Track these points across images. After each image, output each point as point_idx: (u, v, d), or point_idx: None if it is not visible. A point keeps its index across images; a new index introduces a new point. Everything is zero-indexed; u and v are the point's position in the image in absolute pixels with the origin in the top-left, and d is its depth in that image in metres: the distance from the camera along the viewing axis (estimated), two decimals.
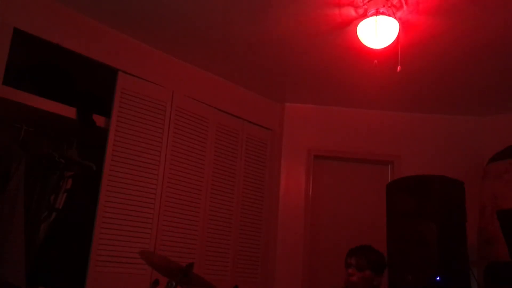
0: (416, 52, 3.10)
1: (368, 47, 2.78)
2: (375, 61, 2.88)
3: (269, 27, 2.96)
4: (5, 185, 2.53)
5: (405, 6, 2.63)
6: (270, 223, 3.90)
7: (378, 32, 2.58)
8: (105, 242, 2.89)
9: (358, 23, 2.70)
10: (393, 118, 4.15)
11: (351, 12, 2.71)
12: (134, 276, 2.97)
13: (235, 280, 3.53)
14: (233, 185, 3.70)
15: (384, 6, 2.60)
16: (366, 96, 3.92)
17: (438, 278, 2.75)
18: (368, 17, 2.64)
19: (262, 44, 3.18)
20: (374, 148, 4.09)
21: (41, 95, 2.79)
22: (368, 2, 2.60)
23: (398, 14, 2.67)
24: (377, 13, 2.60)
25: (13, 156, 2.60)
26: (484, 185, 3.45)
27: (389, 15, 2.61)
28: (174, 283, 1.94)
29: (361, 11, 2.68)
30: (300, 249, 3.86)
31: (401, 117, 4.15)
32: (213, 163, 3.58)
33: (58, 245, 2.77)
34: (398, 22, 2.64)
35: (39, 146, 2.93)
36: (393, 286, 2.97)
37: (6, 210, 2.47)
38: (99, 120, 3.03)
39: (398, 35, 2.68)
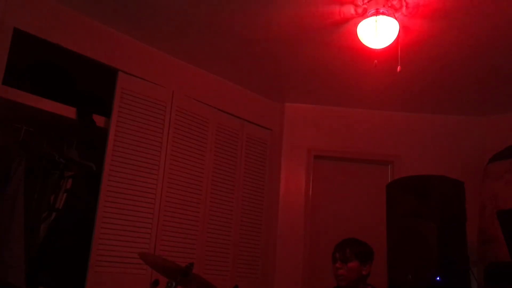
0: (416, 52, 3.10)
1: (368, 47, 2.78)
2: (375, 61, 2.88)
3: (270, 27, 2.96)
4: (5, 185, 2.53)
5: (405, 6, 2.63)
6: (270, 223, 3.90)
7: (378, 32, 2.59)
8: (105, 242, 2.89)
9: (358, 23, 2.70)
10: (393, 118, 4.15)
11: (351, 11, 2.71)
12: (134, 276, 2.97)
13: (235, 280, 3.53)
14: (233, 185, 3.70)
15: (384, 6, 2.61)
16: (366, 96, 3.92)
17: (438, 278, 2.75)
18: (368, 17, 2.64)
19: (262, 44, 3.18)
20: (374, 148, 4.09)
21: (41, 95, 2.78)
22: (368, 2, 2.61)
23: (398, 14, 2.67)
24: (377, 13, 2.60)
25: (13, 156, 2.60)
26: (484, 185, 3.45)
27: (389, 15, 2.61)
28: (174, 283, 1.94)
29: (360, 10, 2.67)
30: (300, 249, 3.87)
31: (401, 117, 4.15)
32: (213, 163, 3.58)
33: (58, 246, 2.77)
34: (398, 22, 2.64)
35: (39, 146, 2.93)
36: (393, 286, 2.97)
37: (6, 210, 2.47)
38: (99, 120, 3.03)
39: (398, 35, 2.68)
